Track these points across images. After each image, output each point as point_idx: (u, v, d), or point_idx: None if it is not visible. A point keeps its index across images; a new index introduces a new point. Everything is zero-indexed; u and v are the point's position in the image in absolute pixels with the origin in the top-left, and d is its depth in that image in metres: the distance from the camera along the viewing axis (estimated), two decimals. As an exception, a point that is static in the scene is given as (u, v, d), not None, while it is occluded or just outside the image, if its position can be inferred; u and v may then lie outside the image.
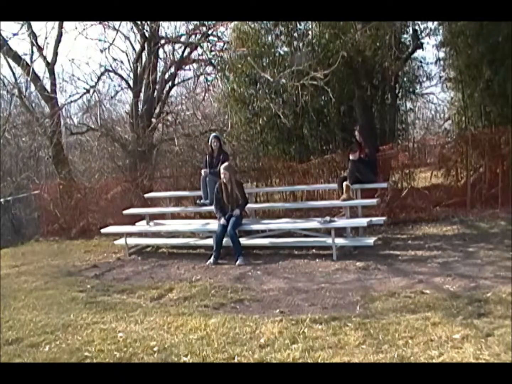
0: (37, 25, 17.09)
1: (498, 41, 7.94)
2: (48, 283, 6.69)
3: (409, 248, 6.62)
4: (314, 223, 7.07)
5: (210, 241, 7.29)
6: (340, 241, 6.74)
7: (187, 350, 3.97)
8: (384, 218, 6.99)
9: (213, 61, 10.85)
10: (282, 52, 10.56)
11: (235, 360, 3.74)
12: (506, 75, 8.43)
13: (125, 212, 8.65)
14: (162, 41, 10.63)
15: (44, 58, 10.83)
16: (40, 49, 10.71)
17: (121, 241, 7.98)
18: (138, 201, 9.35)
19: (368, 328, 4.06)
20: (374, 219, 6.91)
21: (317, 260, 6.56)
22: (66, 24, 10.64)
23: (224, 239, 6.94)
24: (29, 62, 10.71)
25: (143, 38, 10.41)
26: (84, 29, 10.18)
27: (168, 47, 10.86)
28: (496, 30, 8.03)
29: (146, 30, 10.26)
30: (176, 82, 11.62)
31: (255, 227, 7.47)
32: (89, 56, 17.14)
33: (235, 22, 9.89)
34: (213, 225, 7.70)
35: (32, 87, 12.09)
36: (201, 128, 11.78)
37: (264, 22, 9.87)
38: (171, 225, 8.30)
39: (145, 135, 10.33)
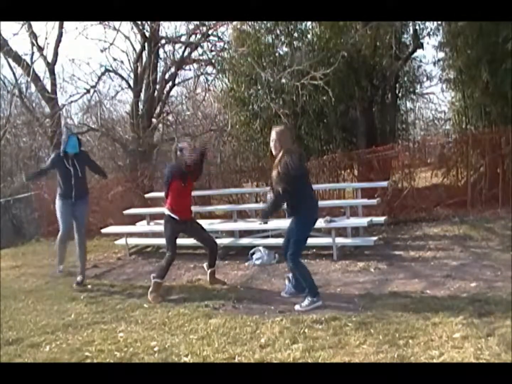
0: (37, 25, 17.08)
1: (497, 42, 7.93)
2: (48, 283, 6.69)
3: (409, 248, 6.62)
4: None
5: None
6: (340, 241, 6.75)
7: (188, 350, 3.97)
8: (384, 218, 6.97)
9: (213, 61, 10.85)
10: (282, 52, 10.56)
11: (236, 360, 3.74)
12: (505, 75, 8.43)
13: (126, 212, 8.64)
14: (162, 41, 10.63)
15: (45, 58, 10.83)
16: (40, 49, 10.71)
17: (121, 241, 7.98)
18: (138, 201, 9.34)
19: (369, 328, 4.06)
20: (374, 219, 6.89)
21: (317, 260, 6.56)
22: (66, 24, 10.66)
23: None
24: (29, 62, 10.70)
25: (143, 38, 10.40)
26: (84, 29, 10.21)
27: (168, 47, 10.88)
28: (495, 30, 8.03)
29: (146, 30, 10.26)
30: (176, 82, 11.63)
31: (255, 227, 7.46)
32: (89, 56, 17.14)
33: (235, 22, 9.89)
34: (214, 225, 7.70)
35: (33, 87, 12.07)
36: (201, 128, 11.79)
37: (264, 22, 9.87)
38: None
39: (145, 135, 10.34)
